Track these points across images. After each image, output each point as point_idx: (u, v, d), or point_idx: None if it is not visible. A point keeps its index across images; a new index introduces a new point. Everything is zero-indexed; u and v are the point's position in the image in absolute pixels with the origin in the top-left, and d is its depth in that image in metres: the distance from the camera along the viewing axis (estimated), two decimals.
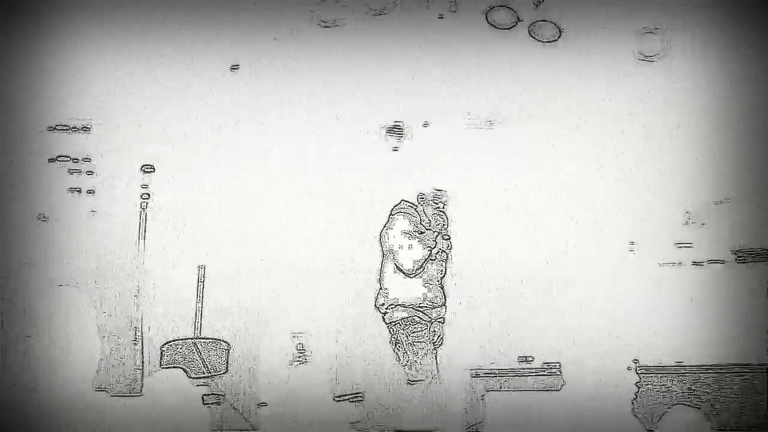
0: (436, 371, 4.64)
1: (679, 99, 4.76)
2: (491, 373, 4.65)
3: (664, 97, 4.76)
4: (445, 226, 4.70)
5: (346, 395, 4.65)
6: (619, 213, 4.72)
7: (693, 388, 4.67)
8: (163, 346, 4.64)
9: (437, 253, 4.69)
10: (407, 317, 4.67)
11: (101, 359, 4.60)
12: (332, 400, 4.64)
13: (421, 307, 4.67)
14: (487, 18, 4.76)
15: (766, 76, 4.76)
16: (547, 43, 4.77)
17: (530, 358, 4.66)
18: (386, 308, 4.66)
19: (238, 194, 4.69)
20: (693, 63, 4.76)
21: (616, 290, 4.68)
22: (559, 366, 4.64)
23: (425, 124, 4.73)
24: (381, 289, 4.67)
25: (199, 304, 4.65)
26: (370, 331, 4.67)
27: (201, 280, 4.65)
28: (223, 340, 4.65)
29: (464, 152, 4.73)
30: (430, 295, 4.68)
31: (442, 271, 4.69)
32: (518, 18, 4.73)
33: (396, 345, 4.66)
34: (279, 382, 4.64)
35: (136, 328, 4.63)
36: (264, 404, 4.63)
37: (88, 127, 4.66)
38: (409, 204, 4.71)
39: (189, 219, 4.66)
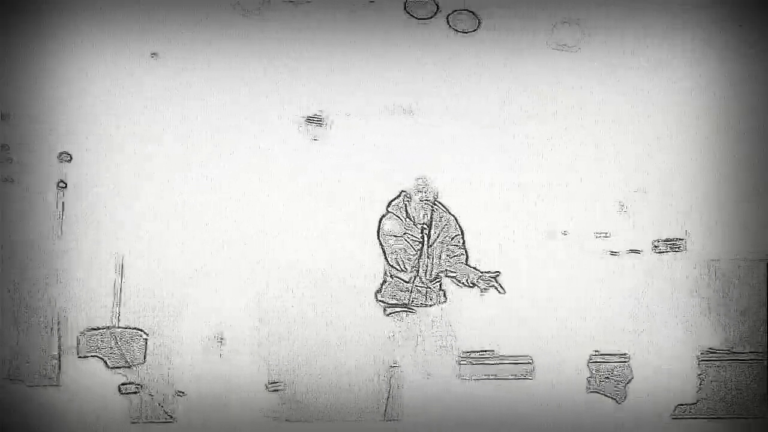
0: None
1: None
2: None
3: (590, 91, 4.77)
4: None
5: (266, 384, 4.65)
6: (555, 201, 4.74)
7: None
8: (79, 335, 4.62)
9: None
10: None
11: (15, 348, 4.58)
12: (252, 389, 4.64)
13: None
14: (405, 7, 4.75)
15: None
16: (466, 34, 4.76)
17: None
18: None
19: (156, 181, 4.67)
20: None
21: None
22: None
23: (347, 115, 4.72)
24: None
25: (118, 293, 4.63)
26: (291, 316, 4.67)
27: (119, 269, 4.63)
28: (140, 329, 4.64)
29: (384, 141, 4.73)
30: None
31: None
32: (438, 8, 4.73)
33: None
34: (197, 371, 4.64)
35: (52, 317, 4.60)
36: (182, 393, 4.62)
37: (8, 115, 4.64)
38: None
39: (107, 207, 4.64)
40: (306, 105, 4.72)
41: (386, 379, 4.68)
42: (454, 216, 4.74)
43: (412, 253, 4.71)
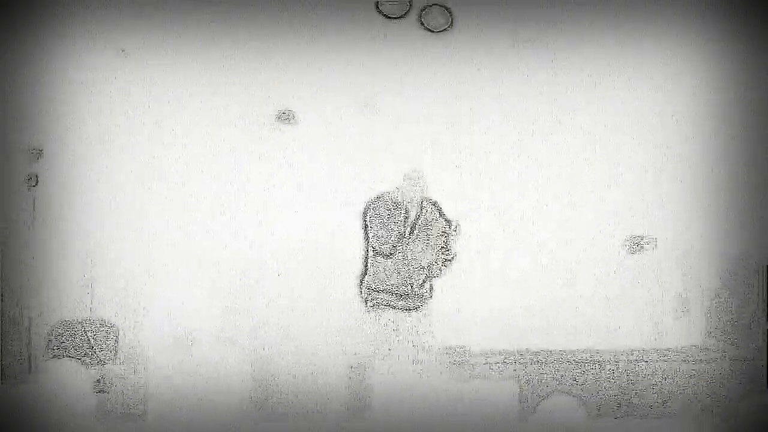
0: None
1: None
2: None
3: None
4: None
5: (235, 379, 4.64)
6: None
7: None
8: (50, 331, 4.58)
9: None
10: None
11: None
12: (224, 385, 4.63)
13: None
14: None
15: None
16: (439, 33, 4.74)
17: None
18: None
19: (126, 176, 4.64)
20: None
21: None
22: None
23: (315, 111, 4.69)
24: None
25: (89, 290, 4.60)
26: (260, 317, 4.65)
27: (90, 266, 4.60)
28: (112, 325, 4.61)
29: (345, 139, 4.71)
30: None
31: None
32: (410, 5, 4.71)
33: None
34: (168, 368, 4.62)
35: (22, 313, 4.57)
36: (155, 390, 4.60)
37: None
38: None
39: (77, 203, 4.61)
40: (277, 101, 4.68)
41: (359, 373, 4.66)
42: (437, 208, 4.72)
43: (391, 242, 4.69)
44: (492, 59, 4.72)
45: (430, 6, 4.71)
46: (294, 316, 4.67)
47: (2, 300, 4.58)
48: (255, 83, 4.69)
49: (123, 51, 4.65)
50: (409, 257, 4.72)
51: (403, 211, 4.72)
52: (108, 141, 4.64)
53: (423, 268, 4.71)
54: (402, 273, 4.71)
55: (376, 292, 4.68)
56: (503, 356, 4.69)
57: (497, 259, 4.72)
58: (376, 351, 4.68)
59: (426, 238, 4.71)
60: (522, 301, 4.71)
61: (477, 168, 4.73)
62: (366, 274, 4.68)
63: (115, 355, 4.62)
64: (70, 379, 4.60)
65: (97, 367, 4.61)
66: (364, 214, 4.70)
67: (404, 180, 4.71)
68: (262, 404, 4.65)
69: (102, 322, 4.62)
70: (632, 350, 4.71)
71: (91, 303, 4.61)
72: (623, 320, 4.71)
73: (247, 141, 4.68)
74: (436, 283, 4.70)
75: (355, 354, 4.67)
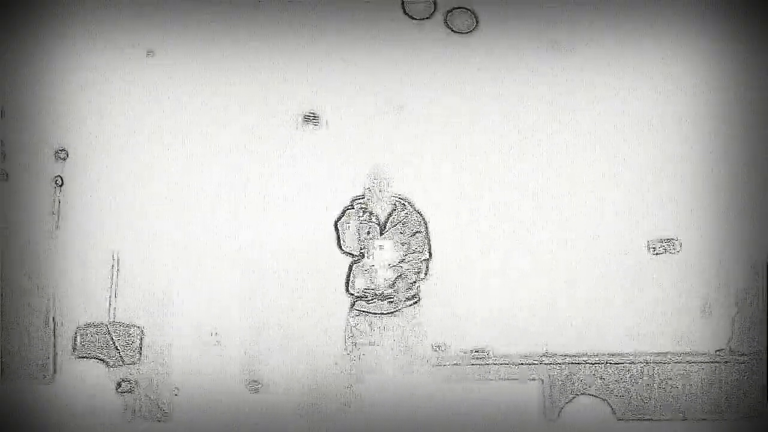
0: None
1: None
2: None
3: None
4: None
5: (259, 382, 4.63)
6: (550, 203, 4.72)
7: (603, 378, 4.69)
8: (75, 332, 4.59)
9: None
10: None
11: (9, 346, 4.57)
12: (246, 388, 4.63)
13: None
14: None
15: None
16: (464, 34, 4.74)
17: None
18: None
19: (151, 178, 4.66)
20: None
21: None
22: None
23: (341, 112, 4.69)
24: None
25: (113, 290, 4.61)
26: (283, 319, 4.64)
27: (115, 266, 4.61)
28: (136, 326, 4.62)
29: (374, 139, 4.70)
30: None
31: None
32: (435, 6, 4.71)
33: None
34: (193, 370, 4.62)
35: (47, 314, 4.58)
36: (177, 392, 4.61)
37: (3, 111, 4.62)
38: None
39: (104, 205, 4.63)
40: (301, 103, 4.69)
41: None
42: (418, 211, 4.71)
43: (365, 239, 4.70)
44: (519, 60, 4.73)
45: (455, 9, 4.72)
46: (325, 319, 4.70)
47: (27, 300, 4.59)
48: (282, 87, 4.69)
49: (150, 53, 4.66)
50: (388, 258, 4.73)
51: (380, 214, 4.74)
52: (134, 143, 4.66)
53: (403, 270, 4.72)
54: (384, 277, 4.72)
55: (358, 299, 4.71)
56: (526, 359, 4.70)
57: (518, 259, 4.71)
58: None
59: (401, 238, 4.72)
60: (544, 303, 4.70)
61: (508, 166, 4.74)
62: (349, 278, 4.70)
63: (140, 355, 4.62)
64: (94, 379, 4.61)
65: (121, 368, 4.62)
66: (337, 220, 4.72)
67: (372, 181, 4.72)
68: (284, 403, 4.65)
69: (126, 323, 4.63)
70: (656, 353, 4.70)
71: (116, 304, 4.62)
72: (647, 323, 4.70)
73: (277, 143, 4.68)
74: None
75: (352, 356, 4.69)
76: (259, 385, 4.63)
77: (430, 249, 4.70)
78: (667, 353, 4.70)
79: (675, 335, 4.70)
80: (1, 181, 4.60)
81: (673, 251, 4.71)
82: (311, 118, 4.70)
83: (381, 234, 4.71)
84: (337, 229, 4.69)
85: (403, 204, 4.71)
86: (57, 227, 4.61)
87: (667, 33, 4.75)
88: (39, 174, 4.63)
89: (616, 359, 4.69)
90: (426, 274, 4.69)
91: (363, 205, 4.70)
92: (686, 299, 4.72)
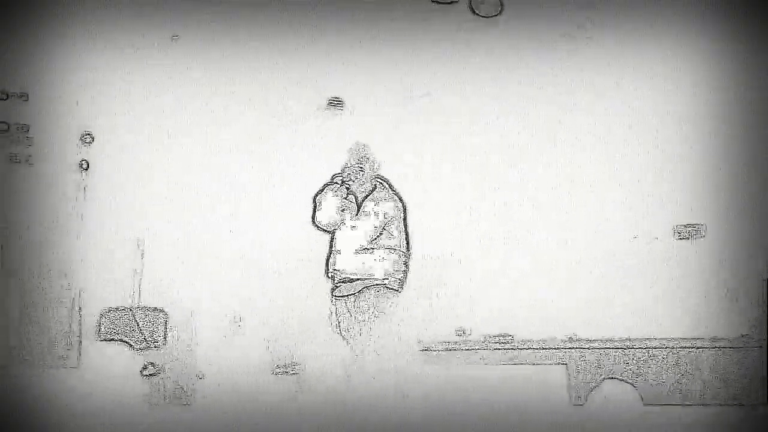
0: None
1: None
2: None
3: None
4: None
5: (283, 367, 4.65)
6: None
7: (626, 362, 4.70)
8: (100, 316, 4.61)
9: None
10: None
11: (35, 330, 4.59)
12: (270, 373, 4.64)
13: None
14: None
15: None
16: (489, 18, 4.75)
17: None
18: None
19: (180, 165, 4.68)
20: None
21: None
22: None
23: (365, 98, 4.71)
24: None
25: (138, 275, 4.64)
26: (309, 303, 4.66)
27: (139, 251, 4.63)
28: (160, 310, 4.64)
29: (401, 125, 4.72)
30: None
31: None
32: None
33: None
34: (217, 354, 4.64)
35: (72, 298, 4.61)
36: (202, 376, 4.62)
37: (28, 95, 4.64)
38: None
39: (129, 189, 4.66)
40: (325, 89, 4.72)
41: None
42: (400, 198, 4.72)
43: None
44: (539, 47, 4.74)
45: None
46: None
47: (52, 284, 4.61)
48: (305, 72, 4.71)
49: (175, 37, 4.67)
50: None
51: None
52: (159, 127, 4.68)
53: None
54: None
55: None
56: (552, 343, 4.70)
57: (551, 246, 4.72)
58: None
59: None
60: (571, 291, 4.70)
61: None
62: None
63: (164, 339, 4.64)
64: (119, 363, 4.63)
65: (146, 352, 4.64)
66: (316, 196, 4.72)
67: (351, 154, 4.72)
68: (302, 393, 4.67)
69: (151, 307, 4.65)
70: (682, 338, 4.69)
71: (140, 288, 4.64)
72: (673, 309, 4.69)
73: (299, 130, 4.71)
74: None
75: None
76: (281, 370, 4.63)
77: (407, 234, 4.69)
78: (693, 338, 4.69)
79: (701, 321, 4.69)
80: (28, 164, 4.62)
81: (697, 236, 4.70)
82: (335, 103, 4.69)
83: (356, 214, 4.71)
84: (314, 203, 4.69)
85: (383, 185, 4.71)
86: (82, 211, 4.64)
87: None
88: (65, 158, 4.65)
89: (641, 344, 4.68)
90: (407, 258, 4.70)
91: (342, 180, 4.70)
92: (711, 285, 4.70)
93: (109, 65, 4.68)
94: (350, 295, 4.67)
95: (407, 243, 4.72)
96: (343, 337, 4.66)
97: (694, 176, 4.72)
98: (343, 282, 4.67)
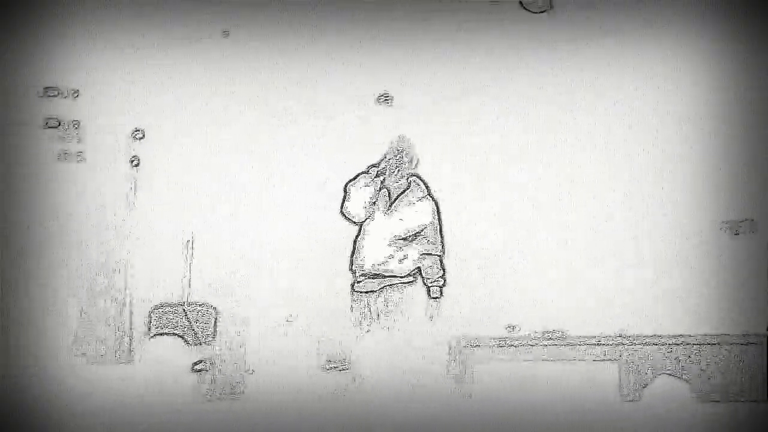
0: None
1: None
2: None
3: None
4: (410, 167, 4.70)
5: (333, 363, 4.66)
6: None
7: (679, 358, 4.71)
8: (151, 312, 4.63)
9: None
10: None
11: (87, 325, 4.60)
12: (320, 369, 4.66)
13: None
14: None
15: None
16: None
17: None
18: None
19: (230, 161, 4.68)
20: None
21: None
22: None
23: (413, 94, 4.71)
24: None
25: (188, 270, 4.64)
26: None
27: (190, 246, 4.64)
28: (211, 306, 4.65)
29: (443, 120, 4.73)
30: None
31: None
32: None
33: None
34: (267, 349, 4.65)
35: (123, 293, 4.62)
36: (252, 371, 4.64)
37: (77, 90, 4.64)
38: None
39: (179, 185, 4.67)
40: (374, 85, 4.72)
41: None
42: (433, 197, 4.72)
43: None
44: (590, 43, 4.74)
45: None
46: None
47: (104, 280, 4.62)
48: (355, 68, 4.71)
49: (225, 33, 4.67)
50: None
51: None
52: (209, 123, 4.68)
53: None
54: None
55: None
56: (603, 339, 4.71)
57: (595, 245, 4.73)
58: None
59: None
60: (622, 287, 4.70)
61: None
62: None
63: (215, 335, 4.64)
64: (170, 358, 4.64)
65: (196, 347, 4.64)
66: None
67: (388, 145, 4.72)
68: (359, 389, 4.68)
69: (201, 303, 4.65)
70: (739, 335, 4.70)
71: (191, 284, 4.64)
72: (729, 306, 4.70)
73: (350, 125, 4.71)
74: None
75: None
76: (331, 365, 4.64)
77: (441, 233, 4.70)
78: (750, 334, 4.69)
79: (757, 316, 4.69)
80: (80, 160, 4.63)
81: (746, 231, 4.71)
82: (384, 98, 4.69)
83: (389, 209, 4.71)
84: (344, 192, 4.70)
85: (419, 184, 4.72)
86: (133, 207, 4.64)
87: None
88: (116, 154, 4.65)
89: (693, 340, 4.68)
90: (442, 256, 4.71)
91: (377, 172, 4.70)
92: (764, 281, 4.71)
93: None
94: (371, 292, 4.67)
95: (442, 242, 4.72)
96: (391, 333, 4.66)
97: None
98: (365, 277, 4.67)
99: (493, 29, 4.76)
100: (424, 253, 4.70)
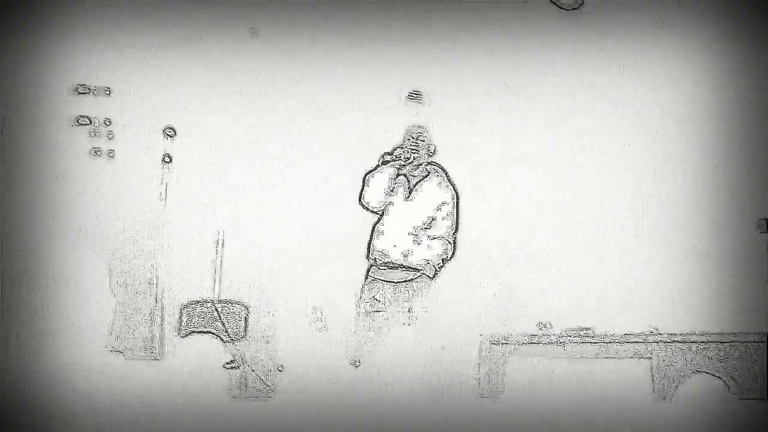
0: None
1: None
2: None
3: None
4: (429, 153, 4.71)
5: (358, 363, 4.67)
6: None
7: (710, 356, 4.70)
8: (181, 308, 4.64)
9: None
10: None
11: (116, 322, 4.61)
12: (350, 365, 4.66)
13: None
14: None
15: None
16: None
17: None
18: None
19: (261, 159, 4.70)
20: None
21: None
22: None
23: (444, 91, 4.72)
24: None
25: (219, 268, 4.65)
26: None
27: (220, 244, 4.65)
28: (242, 303, 4.66)
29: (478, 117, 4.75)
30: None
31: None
32: None
33: None
34: (297, 346, 4.66)
35: (153, 290, 4.63)
36: (282, 368, 4.65)
37: (110, 88, 4.65)
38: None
39: (210, 182, 4.68)
40: (404, 82, 4.73)
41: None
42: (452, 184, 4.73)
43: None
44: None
45: None
46: None
47: (134, 277, 4.63)
48: (384, 66, 4.71)
49: (253, 30, 4.68)
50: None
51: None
52: (240, 121, 4.70)
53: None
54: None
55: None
56: (634, 337, 4.70)
57: (632, 239, 4.73)
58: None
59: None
60: (654, 283, 4.71)
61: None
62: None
63: (245, 332, 4.65)
64: (200, 355, 4.64)
65: (228, 344, 4.65)
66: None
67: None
68: (377, 386, 4.68)
69: (233, 300, 4.65)
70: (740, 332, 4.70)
71: (222, 281, 4.65)
72: (757, 301, 4.70)
73: (379, 123, 4.73)
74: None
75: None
76: (360, 363, 4.65)
77: (457, 224, 4.70)
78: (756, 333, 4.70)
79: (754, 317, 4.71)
80: (110, 158, 4.63)
81: (746, 231, 4.72)
82: (415, 95, 4.69)
83: (407, 198, 4.72)
84: (363, 182, 4.71)
85: (438, 172, 4.72)
86: (165, 204, 4.65)
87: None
88: (148, 152, 4.66)
89: (730, 338, 4.68)
90: (452, 252, 4.70)
91: (394, 159, 4.70)
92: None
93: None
94: (391, 282, 4.67)
95: (456, 227, 4.71)
96: (418, 332, 4.66)
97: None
98: (386, 266, 4.67)
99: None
100: (434, 237, 4.69)
